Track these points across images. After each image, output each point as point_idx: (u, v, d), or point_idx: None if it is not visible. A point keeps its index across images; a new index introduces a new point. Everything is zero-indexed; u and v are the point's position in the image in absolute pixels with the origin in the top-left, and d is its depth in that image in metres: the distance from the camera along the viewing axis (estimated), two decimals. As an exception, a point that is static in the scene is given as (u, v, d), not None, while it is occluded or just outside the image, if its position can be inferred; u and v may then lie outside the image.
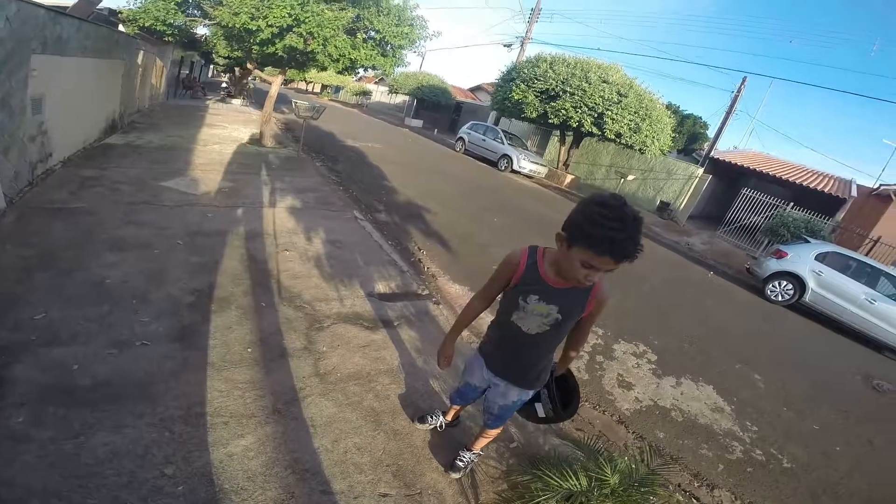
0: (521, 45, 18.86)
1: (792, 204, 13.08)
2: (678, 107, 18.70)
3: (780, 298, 8.23)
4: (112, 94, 6.85)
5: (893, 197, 13.55)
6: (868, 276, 7.88)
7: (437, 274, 4.35)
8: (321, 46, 6.33)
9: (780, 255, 8.59)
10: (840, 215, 13.53)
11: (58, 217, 3.44)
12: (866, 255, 11.33)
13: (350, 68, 7.32)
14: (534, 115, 12.82)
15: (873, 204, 14.07)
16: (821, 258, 8.21)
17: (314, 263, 3.62)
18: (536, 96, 12.58)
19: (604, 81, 12.01)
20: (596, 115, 11.90)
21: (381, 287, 3.59)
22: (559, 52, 14.02)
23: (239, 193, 4.91)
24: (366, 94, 35.34)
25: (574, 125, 12.32)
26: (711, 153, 15.76)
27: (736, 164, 15.68)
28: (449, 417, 2.15)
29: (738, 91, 15.04)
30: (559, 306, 1.38)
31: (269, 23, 5.88)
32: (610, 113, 11.72)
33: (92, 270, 2.78)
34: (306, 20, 6.00)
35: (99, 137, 6.29)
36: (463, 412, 2.25)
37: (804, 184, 14.57)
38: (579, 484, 1.74)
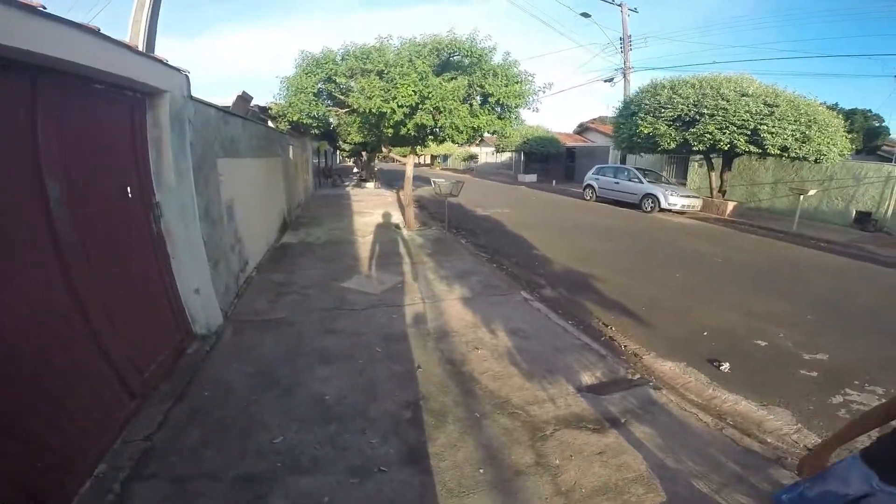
0: (624, 76, 17.95)
1: None
2: (836, 104, 15.51)
3: None
4: (278, 192, 7.23)
5: None
6: None
7: (638, 352, 3.75)
8: (448, 119, 6.51)
9: None
10: None
11: (266, 330, 3.76)
12: None
13: (473, 137, 7.42)
14: (672, 145, 11.73)
15: None
16: None
17: (508, 360, 3.38)
18: (669, 125, 11.57)
19: (743, 95, 10.69)
20: (749, 132, 10.49)
21: (587, 378, 3.16)
22: (674, 74, 13.01)
23: (411, 287, 5.00)
24: (473, 157, 37.10)
25: (725, 147, 10.90)
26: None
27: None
28: None
29: None
30: None
31: (400, 103, 6.22)
32: (766, 127, 10.28)
33: (310, 387, 2.89)
34: (430, 95, 6.24)
35: (277, 237, 7.00)
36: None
37: None
38: None
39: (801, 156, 10.74)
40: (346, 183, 18.04)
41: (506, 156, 31.72)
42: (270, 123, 8.14)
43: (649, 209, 12.10)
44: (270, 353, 3.35)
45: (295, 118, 7.36)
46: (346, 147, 15.33)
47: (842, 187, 12.36)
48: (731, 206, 12.43)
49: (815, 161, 11.02)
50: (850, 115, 17.16)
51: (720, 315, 4.68)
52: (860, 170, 12.11)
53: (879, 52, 43.27)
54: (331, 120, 8.98)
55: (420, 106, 6.44)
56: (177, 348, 3.17)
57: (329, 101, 7.78)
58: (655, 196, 12.09)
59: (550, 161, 25.44)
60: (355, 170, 20.80)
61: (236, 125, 4.76)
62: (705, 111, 10.89)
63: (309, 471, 2.13)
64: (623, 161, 16.89)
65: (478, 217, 10.92)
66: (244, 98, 6.99)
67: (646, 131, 11.83)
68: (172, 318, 3.22)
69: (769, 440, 2.69)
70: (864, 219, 11.87)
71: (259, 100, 8.13)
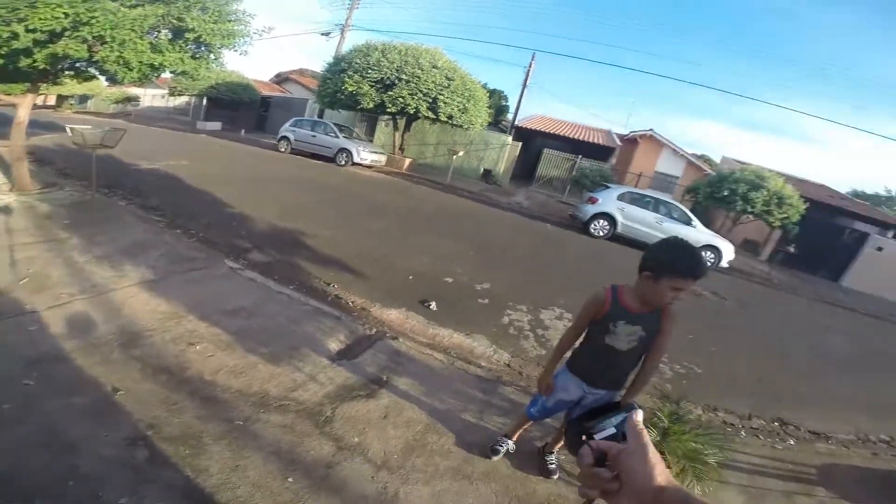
0: (342, 33, 17.66)
1: (581, 157, 16.13)
2: (485, 83, 20.66)
3: (601, 234, 10.32)
4: None
5: (639, 140, 17.96)
6: (653, 204, 10.41)
7: (365, 306, 3.88)
8: (114, 52, 4.58)
9: (593, 201, 10.64)
10: (613, 160, 17.29)
11: None
12: (635, 186, 14.93)
13: (147, 76, 5.54)
14: (371, 105, 12.56)
15: (627, 147, 18.42)
16: (621, 198, 10.48)
17: (242, 348, 2.78)
18: (372, 86, 12.23)
19: (433, 67, 12.47)
20: (430, 101, 12.36)
21: (334, 345, 3.05)
22: (387, 39, 13.83)
23: (47, 280, 3.30)
24: (132, 100, 28.05)
25: (411, 111, 12.49)
26: (517, 122, 18.06)
27: (533, 129, 18.37)
28: (515, 437, 2.30)
29: (529, 66, 17.46)
30: (642, 325, 1.74)
31: (32, 26, 3.94)
32: (443, 97, 12.38)
33: None
34: (93, 21, 4.22)
35: None
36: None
37: (582, 139, 18.05)
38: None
39: (459, 123, 13.57)
40: None
41: (181, 100, 25.55)
42: None
43: (343, 163, 12.68)
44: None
45: None
46: None
47: (477, 150, 16.73)
48: (407, 161, 14.66)
49: (466, 129, 14.23)
50: (491, 93, 22.61)
51: (416, 259, 5.47)
52: (489, 138, 16.69)
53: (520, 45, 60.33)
54: None
55: (69, 33, 4.15)
56: None
57: None
58: (350, 151, 12.72)
59: (241, 109, 22.31)
60: None
61: None
62: (404, 77, 12.07)
63: None
64: (321, 115, 16.87)
65: (143, 172, 8.36)
66: None
67: (350, 89, 12.24)
68: None
69: (483, 364, 3.34)
70: (487, 174, 16.59)
71: None
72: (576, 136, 18.36)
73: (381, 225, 6.82)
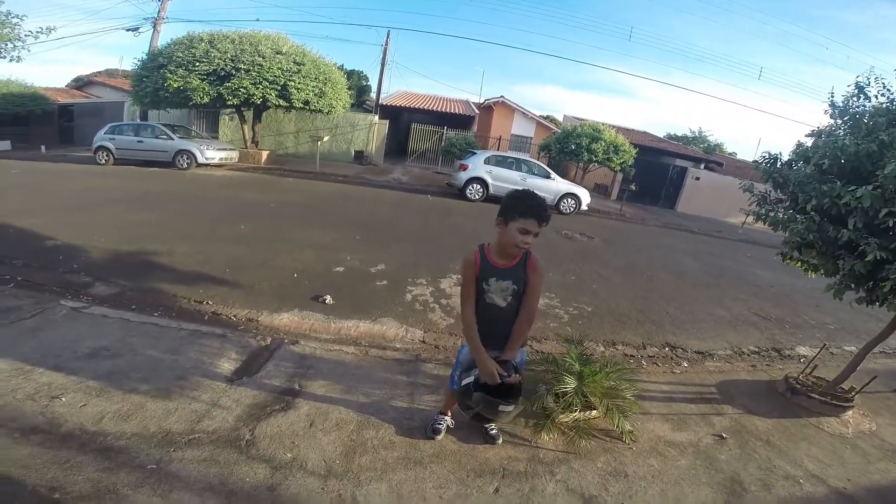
0: (154, 27, 14.73)
1: (446, 128, 16.54)
2: (342, 65, 19.59)
3: (476, 197, 10.86)
4: None
5: (493, 107, 19.09)
6: (516, 164, 11.23)
7: (251, 317, 3.43)
8: None
9: (464, 168, 11.06)
10: (474, 128, 18.09)
11: None
12: (497, 149, 15.91)
13: None
14: (205, 99, 11.05)
15: (484, 114, 19.43)
16: (487, 161, 11.08)
17: (119, 390, 2.28)
18: (203, 79, 10.71)
19: (278, 53, 11.49)
20: (280, 88, 11.43)
21: (227, 365, 2.65)
22: (215, 28, 12.25)
23: None
24: None
25: (258, 101, 11.31)
26: (381, 101, 17.64)
27: (398, 105, 18.20)
28: (450, 413, 2.29)
29: (386, 44, 17.00)
30: (512, 279, 1.83)
31: None
32: (293, 83, 11.52)
33: None
34: None
35: None
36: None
37: (445, 111, 18.51)
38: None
39: (318, 108, 12.70)
40: None
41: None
42: None
43: (185, 166, 11.00)
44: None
45: None
46: None
47: (344, 133, 15.95)
48: (265, 154, 13.35)
49: (327, 113, 13.41)
50: (350, 74, 21.69)
51: (298, 255, 4.98)
52: (355, 119, 16.01)
53: (374, 24, 57.24)
54: None
55: None
56: None
57: None
58: (191, 152, 11.04)
59: (34, 123, 17.51)
60: None
61: None
62: (242, 66, 11.00)
63: None
64: (144, 117, 14.26)
65: None
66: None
67: (176, 85, 10.65)
68: None
69: (398, 346, 3.20)
70: (359, 156, 16.02)
71: None
72: (439, 109, 18.77)
73: (250, 226, 6.03)
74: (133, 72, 12.38)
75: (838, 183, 2.73)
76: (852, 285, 2.85)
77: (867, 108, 3.08)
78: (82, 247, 4.68)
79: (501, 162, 11.21)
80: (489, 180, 10.83)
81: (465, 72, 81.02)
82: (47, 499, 1.62)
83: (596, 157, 13.75)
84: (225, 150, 12.01)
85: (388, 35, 17.37)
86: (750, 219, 3.59)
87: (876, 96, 3.04)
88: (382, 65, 17.19)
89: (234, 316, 3.40)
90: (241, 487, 1.78)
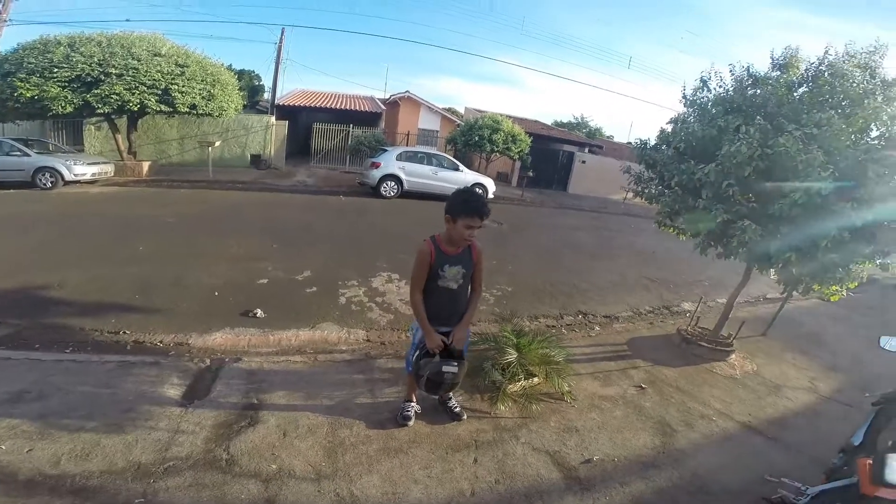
0: None
1: (352, 126, 16.31)
2: (230, 65, 18.09)
3: (392, 194, 11.02)
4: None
5: (400, 102, 19.21)
6: (427, 158, 11.58)
7: (179, 340, 3.29)
8: None
9: (376, 166, 11.14)
10: (381, 124, 18.03)
11: None
12: (406, 144, 16.16)
13: None
14: (68, 109, 9.59)
15: (391, 110, 19.46)
16: (399, 157, 11.28)
17: (63, 431, 2.14)
18: (63, 86, 9.29)
19: (156, 55, 10.26)
20: (161, 92, 10.32)
21: (173, 391, 2.58)
22: (76, 31, 10.64)
23: None
24: None
25: (135, 108, 10.12)
26: (277, 101, 16.71)
27: (295, 104, 17.43)
28: (414, 397, 2.49)
29: (280, 41, 16.05)
30: (461, 264, 2.13)
31: None
32: (176, 86, 10.45)
33: None
34: None
35: None
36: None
37: (349, 108, 18.18)
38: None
39: (206, 112, 11.66)
40: None
41: None
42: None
43: (50, 185, 9.49)
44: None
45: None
46: None
47: (237, 137, 14.83)
48: (146, 165, 12.00)
49: (218, 116, 12.37)
50: (241, 75, 19.93)
51: (213, 270, 4.73)
52: (248, 121, 14.94)
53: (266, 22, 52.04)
54: None
55: None
56: None
57: None
58: (55, 169, 9.49)
59: None
60: None
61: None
62: (113, 71, 9.72)
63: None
64: None
65: None
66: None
67: (29, 94, 9.06)
68: None
69: (344, 348, 3.30)
70: (257, 160, 15.07)
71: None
72: (342, 107, 18.29)
73: (150, 245, 5.49)
74: None
75: (692, 162, 3.48)
76: (712, 243, 3.65)
77: (710, 98, 3.83)
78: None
79: (413, 157, 11.45)
80: (403, 176, 11.01)
81: (366, 67, 79.61)
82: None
83: (497, 147, 14.62)
84: (97, 164, 10.53)
85: (282, 32, 16.55)
86: (630, 195, 4.34)
87: (715, 88, 3.81)
88: (277, 63, 16.34)
89: (160, 342, 3.24)
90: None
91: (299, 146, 18.06)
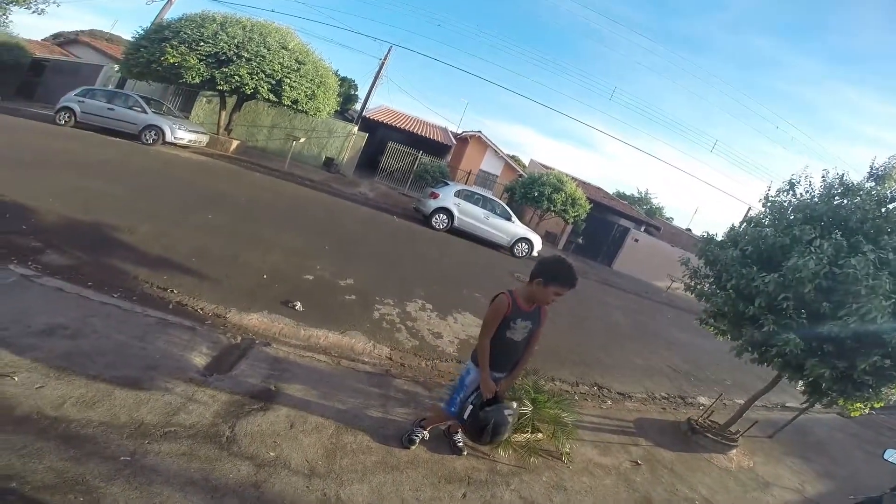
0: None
1: (421, 152, 17.10)
2: (337, 70, 19.86)
3: (441, 227, 11.32)
4: None
5: (469, 140, 19.98)
6: (482, 201, 11.90)
7: (219, 312, 3.52)
8: None
9: (434, 196, 11.55)
10: (448, 157, 18.80)
11: None
12: (466, 182, 16.67)
13: None
14: (197, 80, 10.79)
15: (459, 145, 20.28)
16: (457, 194, 11.65)
17: (81, 374, 2.22)
18: (201, 60, 10.49)
19: (283, 48, 11.48)
20: (274, 83, 11.38)
21: (199, 360, 2.74)
22: (230, 12, 12.01)
23: None
24: None
25: (248, 92, 11.21)
26: (364, 113, 17.92)
27: (378, 120, 18.59)
28: (430, 429, 2.59)
29: (385, 58, 17.44)
30: (531, 321, 2.31)
31: None
32: (289, 80, 11.53)
33: None
34: None
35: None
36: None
37: (423, 134, 19.13)
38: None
39: (304, 109, 12.69)
40: None
41: None
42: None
43: (151, 141, 10.66)
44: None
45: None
46: None
47: (319, 137, 16.01)
48: (235, 143, 13.14)
49: (312, 115, 13.39)
50: (342, 81, 21.57)
51: (267, 256, 5.11)
52: (334, 126, 16.15)
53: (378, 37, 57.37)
54: None
55: None
56: None
57: None
58: (161, 128, 10.71)
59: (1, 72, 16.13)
60: None
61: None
62: (245, 54, 10.85)
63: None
64: (121, 86, 13.67)
65: None
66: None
67: (172, 61, 10.37)
68: None
69: (366, 360, 3.45)
70: (329, 163, 16.10)
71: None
72: (417, 132, 19.32)
73: (217, 217, 6.06)
74: (130, 39, 11.99)
75: (754, 268, 3.40)
76: (749, 349, 3.61)
77: (792, 203, 3.70)
78: (34, 208, 4.51)
79: (470, 197, 11.79)
80: (456, 213, 11.34)
81: (448, 98, 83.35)
82: (4, 488, 1.53)
83: (555, 206, 14.77)
84: (196, 132, 11.75)
85: (389, 50, 17.84)
86: (675, 284, 4.34)
87: (802, 193, 3.69)
88: (376, 78, 17.58)
89: (202, 309, 3.48)
90: (225, 483, 1.85)
91: (368, 159, 19.12)
